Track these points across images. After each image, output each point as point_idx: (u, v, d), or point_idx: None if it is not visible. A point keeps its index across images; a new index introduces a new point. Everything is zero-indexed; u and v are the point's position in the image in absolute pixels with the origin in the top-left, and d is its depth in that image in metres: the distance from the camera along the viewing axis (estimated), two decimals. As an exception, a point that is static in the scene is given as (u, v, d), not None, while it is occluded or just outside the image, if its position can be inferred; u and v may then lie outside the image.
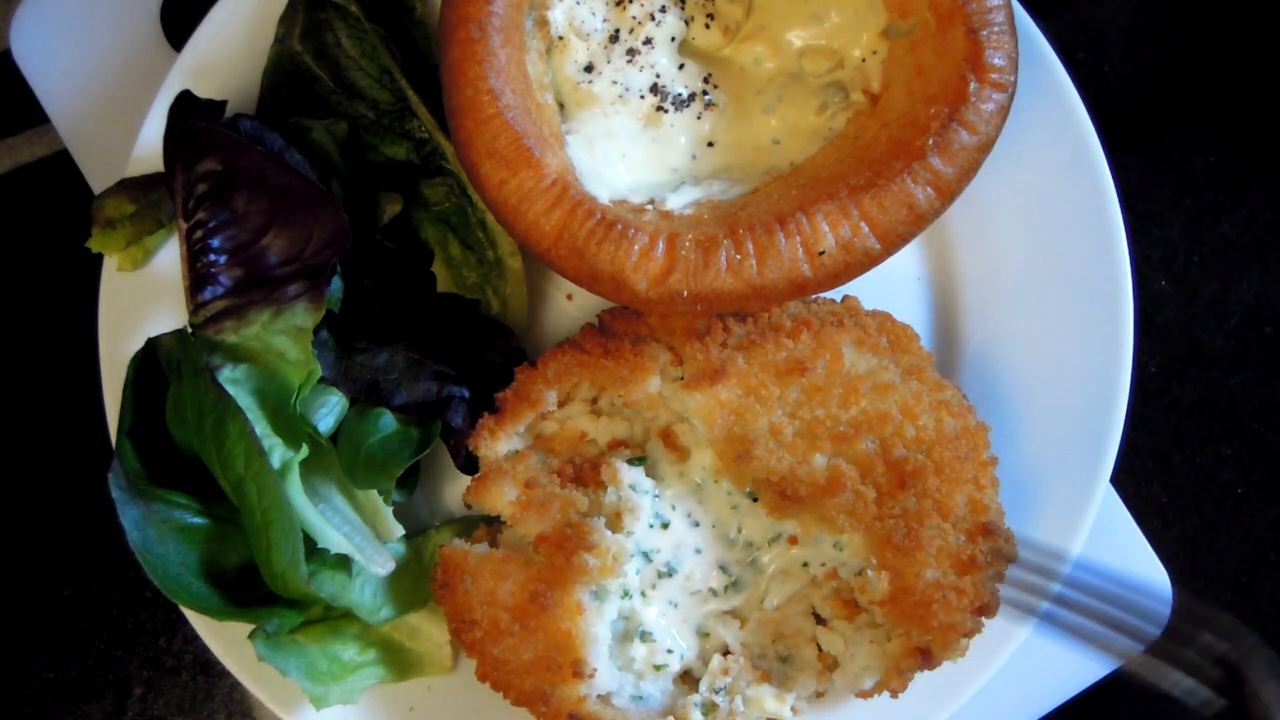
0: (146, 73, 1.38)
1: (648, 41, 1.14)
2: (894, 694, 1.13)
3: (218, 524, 1.14)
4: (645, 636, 1.16)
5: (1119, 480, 1.25)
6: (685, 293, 1.06)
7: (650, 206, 1.14)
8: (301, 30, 1.23)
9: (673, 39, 1.16)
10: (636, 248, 1.06)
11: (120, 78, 1.42)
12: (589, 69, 1.16)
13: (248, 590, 1.13)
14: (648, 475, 1.17)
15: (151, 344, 1.15)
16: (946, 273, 1.27)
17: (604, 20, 1.15)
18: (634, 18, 1.15)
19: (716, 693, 1.15)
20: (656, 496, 1.17)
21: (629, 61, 1.14)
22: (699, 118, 1.18)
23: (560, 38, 1.15)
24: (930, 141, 1.07)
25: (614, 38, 1.14)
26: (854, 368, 1.12)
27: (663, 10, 1.15)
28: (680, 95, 1.17)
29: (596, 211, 1.07)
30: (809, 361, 1.12)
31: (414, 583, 1.20)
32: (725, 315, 1.16)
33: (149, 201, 1.22)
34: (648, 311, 1.16)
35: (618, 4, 1.15)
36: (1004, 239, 1.23)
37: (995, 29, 1.08)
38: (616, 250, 1.06)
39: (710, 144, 1.18)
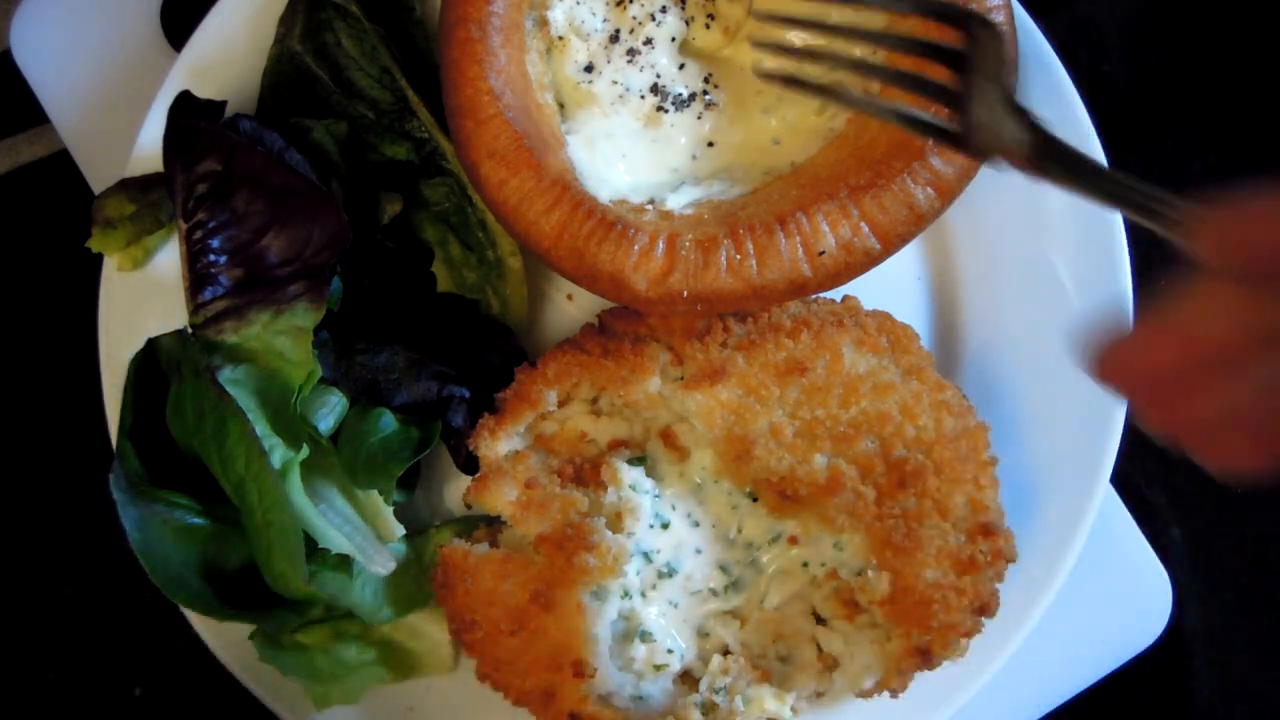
0: (146, 73, 1.38)
1: (648, 42, 1.14)
2: (894, 694, 1.13)
3: (218, 524, 1.14)
4: (645, 636, 1.16)
5: (1119, 480, 1.25)
6: (685, 293, 1.06)
7: (650, 206, 1.14)
8: (301, 30, 1.23)
9: (673, 39, 1.16)
10: (636, 248, 1.06)
11: (120, 78, 1.42)
12: (589, 69, 1.16)
13: (248, 590, 1.13)
14: (648, 475, 1.17)
15: (152, 344, 1.15)
16: (946, 273, 1.27)
17: (604, 20, 1.15)
18: (634, 18, 1.15)
19: (716, 693, 1.15)
20: (656, 496, 1.17)
21: (629, 61, 1.14)
22: (699, 118, 1.18)
23: (560, 38, 1.15)
24: (930, 141, 1.06)
25: (614, 38, 1.14)
26: (854, 368, 1.13)
27: (663, 10, 1.15)
28: (680, 95, 1.17)
29: (596, 211, 1.07)
30: (809, 361, 1.12)
31: (414, 583, 1.20)
32: (725, 315, 1.16)
33: (149, 201, 1.22)
34: (648, 311, 1.16)
35: (618, 4, 1.15)
36: (1004, 239, 1.23)
37: (995, 29, 1.08)
38: (616, 250, 1.06)
39: (710, 144, 1.18)
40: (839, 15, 1.05)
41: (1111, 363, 0.75)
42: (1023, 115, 0.87)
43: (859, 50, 1.07)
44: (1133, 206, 0.79)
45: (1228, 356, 0.71)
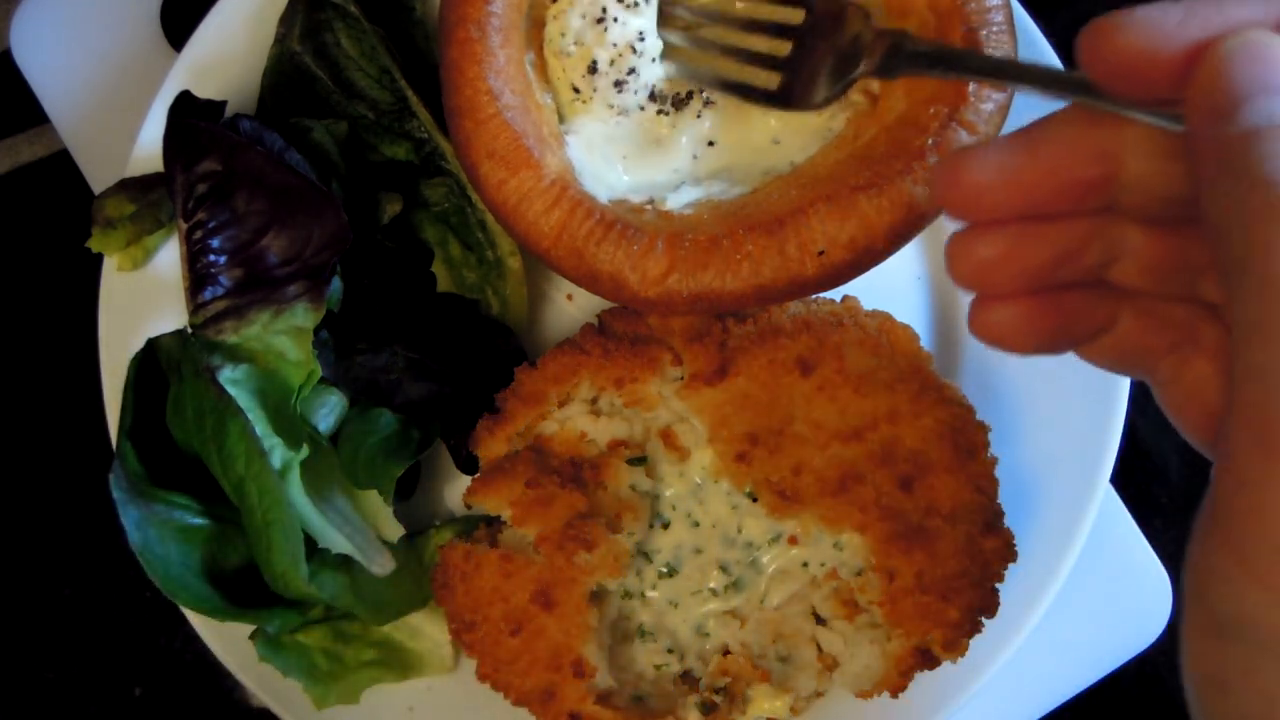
0: (146, 73, 1.38)
1: (632, 71, 1.13)
2: (894, 694, 1.13)
3: (218, 525, 1.14)
4: (645, 636, 1.16)
5: (1119, 480, 1.25)
6: (685, 293, 1.06)
7: (650, 206, 1.14)
8: (301, 30, 1.23)
9: (654, 60, 1.15)
10: (636, 248, 1.06)
11: (120, 78, 1.42)
12: (580, 91, 1.15)
13: (248, 590, 1.13)
14: (648, 475, 1.17)
15: (152, 344, 1.15)
16: (946, 273, 1.27)
17: (575, 44, 1.13)
18: (614, 45, 1.12)
19: (716, 693, 1.15)
20: (656, 497, 1.17)
21: (619, 91, 1.14)
22: (698, 117, 1.17)
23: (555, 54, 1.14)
24: (930, 141, 1.06)
25: (592, 69, 1.13)
26: (854, 368, 1.12)
27: (641, 39, 1.13)
28: (678, 95, 1.16)
29: (596, 211, 1.07)
30: (809, 361, 1.12)
31: (414, 583, 1.20)
32: (725, 315, 1.16)
33: (149, 201, 1.22)
34: (648, 311, 1.16)
35: (598, 21, 1.12)
36: (1004, 239, 1.23)
37: (995, 29, 1.08)
38: (616, 250, 1.06)
39: (710, 143, 1.18)
40: None
41: (950, 169, 0.72)
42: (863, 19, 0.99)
43: (715, 32, 1.15)
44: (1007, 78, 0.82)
45: (1058, 203, 0.70)
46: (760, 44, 1.10)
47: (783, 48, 1.09)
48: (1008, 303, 0.75)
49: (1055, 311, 0.75)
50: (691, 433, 1.17)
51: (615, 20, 1.11)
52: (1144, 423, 1.41)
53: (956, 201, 0.73)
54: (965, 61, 0.94)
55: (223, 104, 1.19)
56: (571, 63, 1.13)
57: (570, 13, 1.12)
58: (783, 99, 1.09)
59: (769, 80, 1.09)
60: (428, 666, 1.23)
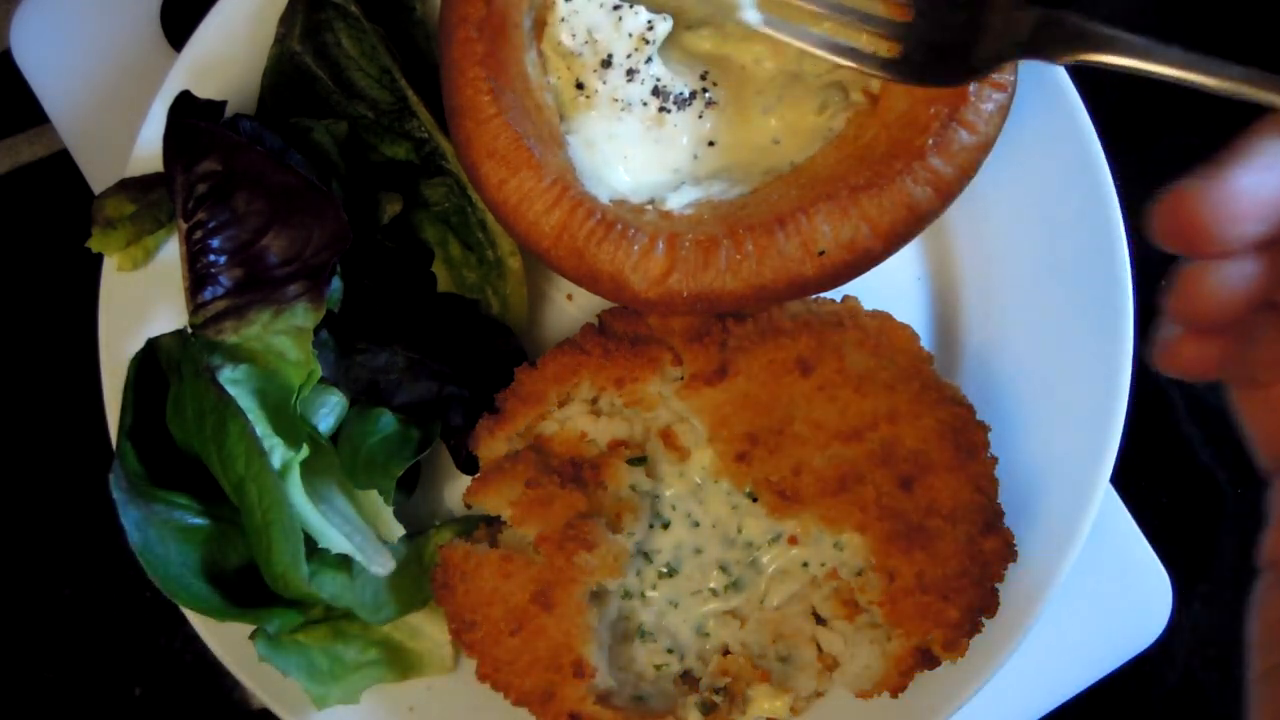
0: (146, 73, 1.38)
1: (649, 61, 1.13)
2: (894, 694, 1.13)
3: (218, 525, 1.14)
4: (645, 636, 1.16)
5: (1119, 480, 1.25)
6: (685, 293, 1.07)
7: (650, 206, 1.14)
8: (301, 30, 1.23)
9: (659, 48, 1.15)
10: (636, 248, 1.06)
11: (120, 78, 1.42)
12: (584, 85, 1.15)
13: (248, 590, 1.13)
14: (648, 475, 1.17)
15: (152, 344, 1.15)
16: (946, 273, 1.27)
17: (586, 42, 1.13)
18: (629, 34, 1.13)
19: (716, 693, 1.15)
20: (656, 497, 1.17)
21: (628, 81, 1.14)
22: (700, 117, 1.18)
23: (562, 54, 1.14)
24: (930, 141, 1.06)
25: (607, 62, 1.13)
26: (854, 368, 1.12)
27: (650, 28, 1.13)
28: (681, 94, 1.16)
29: (596, 211, 1.07)
30: (809, 361, 1.12)
31: (414, 583, 1.20)
32: (725, 315, 1.16)
33: (149, 201, 1.22)
34: (648, 311, 1.16)
35: (615, 8, 1.13)
36: (1004, 239, 1.23)
37: (995, 29, 1.08)
38: (616, 250, 1.06)
39: (711, 143, 1.18)
40: None
41: (1179, 208, 0.68)
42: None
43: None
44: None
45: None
46: (876, 7, 1.06)
47: (903, 14, 1.04)
48: (1210, 337, 0.71)
49: (1240, 336, 0.72)
50: (691, 433, 1.17)
51: (629, 6, 1.11)
52: (1144, 423, 1.41)
53: (1189, 239, 0.69)
54: (1156, 54, 0.88)
55: (223, 104, 1.19)
56: (580, 61, 1.13)
57: (585, 9, 1.12)
58: (903, 70, 1.03)
59: (888, 49, 1.04)
60: (428, 666, 1.23)
